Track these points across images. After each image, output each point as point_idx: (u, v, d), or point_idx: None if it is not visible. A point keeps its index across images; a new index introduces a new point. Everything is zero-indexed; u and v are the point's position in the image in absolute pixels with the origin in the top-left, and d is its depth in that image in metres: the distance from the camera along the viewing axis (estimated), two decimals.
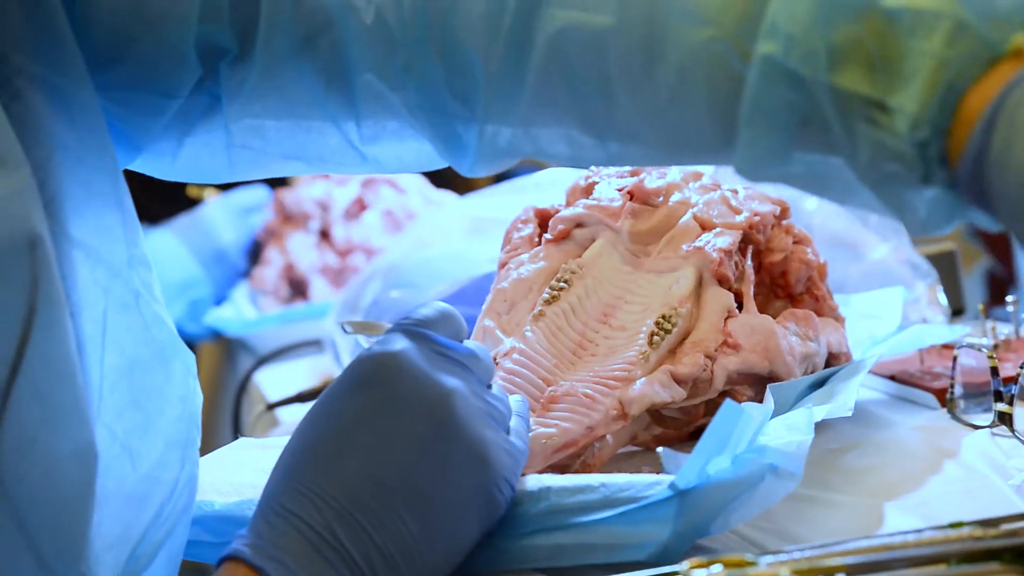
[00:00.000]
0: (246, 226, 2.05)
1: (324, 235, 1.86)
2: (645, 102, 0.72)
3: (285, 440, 0.86)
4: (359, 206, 1.87)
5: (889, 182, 0.65)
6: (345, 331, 0.82)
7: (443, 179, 2.06)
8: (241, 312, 1.85)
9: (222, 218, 2.04)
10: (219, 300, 2.03)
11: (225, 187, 2.09)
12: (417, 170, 0.87)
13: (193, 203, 2.13)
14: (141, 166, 0.86)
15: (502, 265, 1.01)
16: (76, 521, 0.69)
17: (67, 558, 0.68)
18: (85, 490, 0.69)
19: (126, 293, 0.76)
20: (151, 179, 0.88)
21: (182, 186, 2.16)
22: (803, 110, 0.66)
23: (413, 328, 0.77)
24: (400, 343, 0.76)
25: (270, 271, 1.83)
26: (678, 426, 0.95)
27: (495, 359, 0.90)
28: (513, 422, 0.80)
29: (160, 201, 2.31)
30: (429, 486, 0.73)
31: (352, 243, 1.82)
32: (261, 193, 2.09)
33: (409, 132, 0.81)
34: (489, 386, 0.80)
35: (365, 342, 0.82)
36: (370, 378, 0.75)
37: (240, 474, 0.86)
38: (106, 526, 0.72)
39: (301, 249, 1.83)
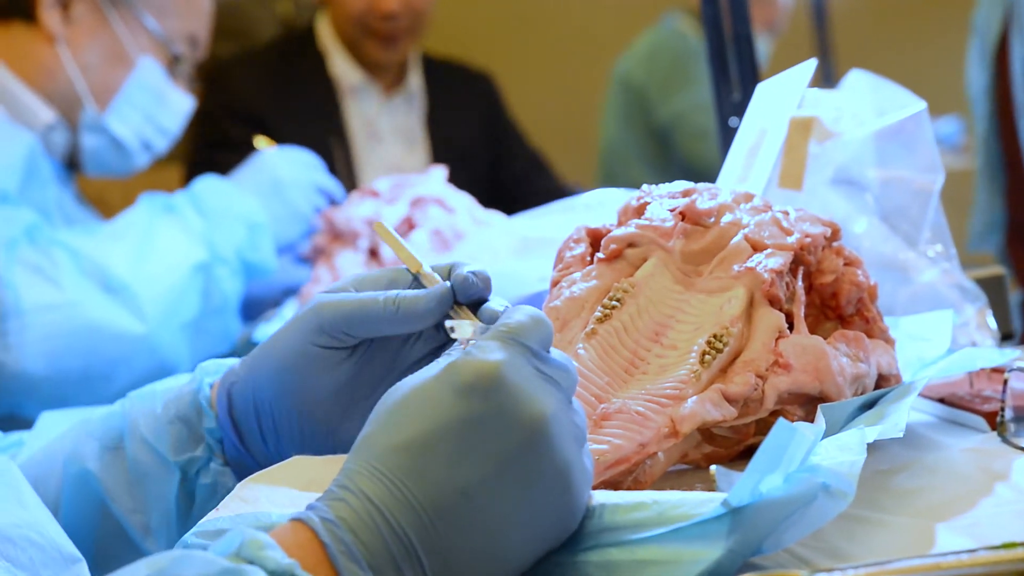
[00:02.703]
0: (306, 174, 2.07)
1: (373, 253, 1.88)
2: None
3: (338, 458, 0.87)
4: (408, 225, 1.89)
5: None
6: (451, 333, 0.82)
7: (492, 199, 2.08)
8: None
9: (278, 159, 2.07)
10: (283, 241, 2.03)
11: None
12: None
13: None
14: None
15: (554, 284, 1.02)
16: None
17: None
18: None
19: None
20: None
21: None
22: None
23: (511, 337, 0.77)
24: (498, 353, 0.75)
25: (319, 288, 1.84)
26: (729, 445, 0.95)
27: None
28: None
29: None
30: (511, 504, 0.74)
31: (401, 262, 1.84)
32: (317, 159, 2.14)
33: None
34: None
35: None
36: (470, 386, 0.74)
37: (296, 487, 0.87)
38: None
39: (350, 267, 1.84)
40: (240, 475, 0.97)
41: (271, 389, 0.94)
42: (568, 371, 0.79)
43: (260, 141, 2.18)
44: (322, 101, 2.93)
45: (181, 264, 1.84)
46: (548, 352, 0.79)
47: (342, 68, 2.96)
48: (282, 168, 2.05)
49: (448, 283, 0.91)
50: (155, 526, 0.98)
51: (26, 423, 1.30)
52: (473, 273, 0.91)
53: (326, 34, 2.98)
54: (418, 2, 2.90)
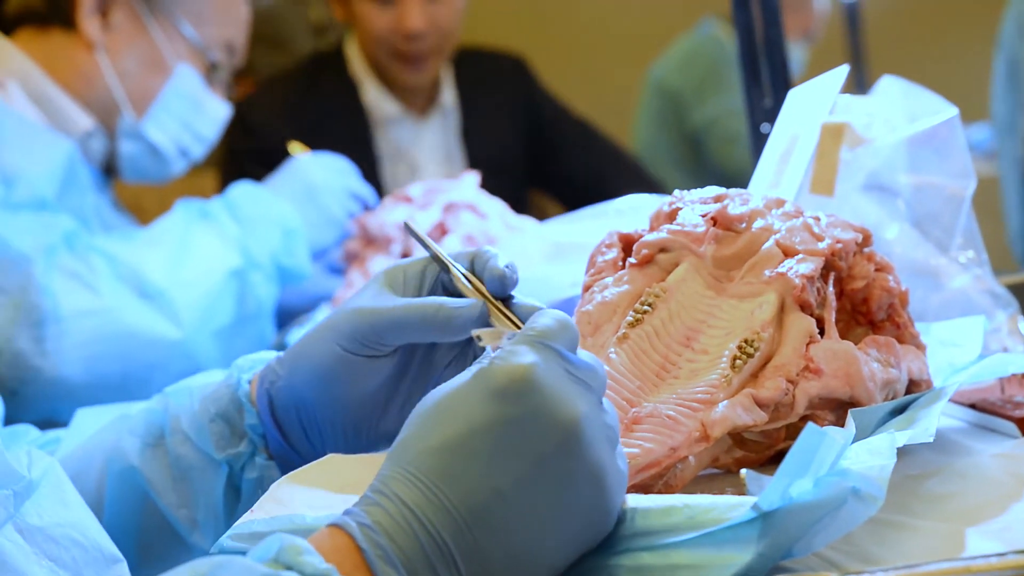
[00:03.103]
0: (339, 180, 2.08)
1: (405, 258, 1.89)
2: None
3: (372, 457, 0.88)
4: (440, 230, 1.90)
5: None
6: (478, 341, 0.83)
7: (523, 205, 2.08)
8: None
9: (312, 164, 2.09)
10: (317, 246, 2.05)
11: None
12: None
13: None
14: None
15: (586, 288, 1.02)
16: None
17: None
18: None
19: None
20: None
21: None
22: None
23: (539, 341, 0.78)
24: (529, 356, 0.76)
25: (352, 293, 1.85)
26: (759, 449, 0.96)
27: None
28: None
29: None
30: (546, 504, 0.74)
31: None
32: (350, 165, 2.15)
33: None
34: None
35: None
36: (503, 389, 0.75)
37: (330, 488, 0.88)
38: None
39: None
40: (285, 468, 0.99)
41: (310, 393, 0.96)
42: (597, 372, 0.80)
43: (294, 147, 2.19)
44: (354, 133, 2.86)
45: (216, 270, 1.86)
46: (575, 354, 0.79)
47: (375, 97, 2.88)
48: (316, 174, 2.07)
49: (481, 303, 0.91)
50: (202, 520, 0.99)
51: (63, 427, 1.32)
52: (508, 267, 0.93)
53: (356, 59, 2.90)
54: (444, 20, 2.80)
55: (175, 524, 1.00)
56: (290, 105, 2.87)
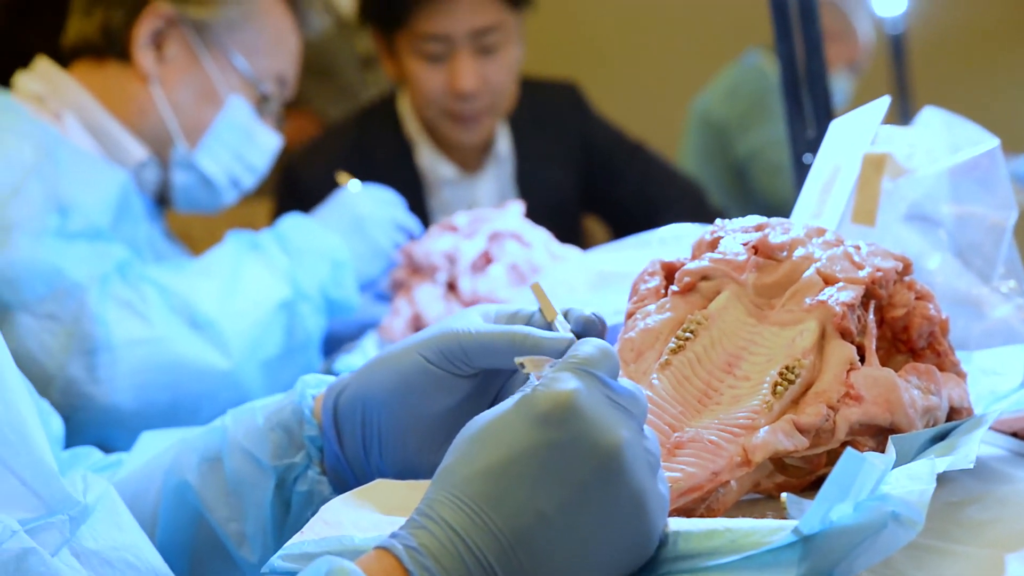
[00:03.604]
0: (387, 211, 2.11)
1: (451, 287, 1.90)
2: None
3: (419, 483, 0.90)
4: (485, 259, 1.92)
5: None
6: (522, 368, 0.85)
7: (576, 234, 2.10)
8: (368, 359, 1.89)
9: (360, 197, 2.11)
10: (365, 278, 2.07)
11: None
12: None
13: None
14: None
15: (629, 315, 1.04)
16: None
17: None
18: None
19: None
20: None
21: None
22: None
23: (582, 368, 0.80)
24: (572, 382, 0.78)
25: (398, 321, 1.87)
26: (800, 475, 0.97)
27: None
28: None
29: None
30: (588, 528, 0.76)
31: (478, 295, 1.86)
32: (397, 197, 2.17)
33: None
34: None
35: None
36: (547, 415, 0.77)
37: (378, 511, 0.90)
38: None
39: (428, 300, 1.87)
40: (336, 485, 1.00)
41: (383, 398, 0.97)
42: (638, 399, 0.81)
43: (342, 177, 2.22)
44: (407, 194, 2.67)
45: (266, 301, 1.89)
46: (617, 381, 0.81)
47: (428, 159, 2.79)
48: (364, 206, 2.09)
49: (571, 337, 0.93)
50: (250, 534, 1.01)
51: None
52: (594, 314, 0.96)
53: (409, 118, 2.80)
54: (496, 79, 2.68)
55: (224, 539, 1.02)
56: (341, 165, 2.71)
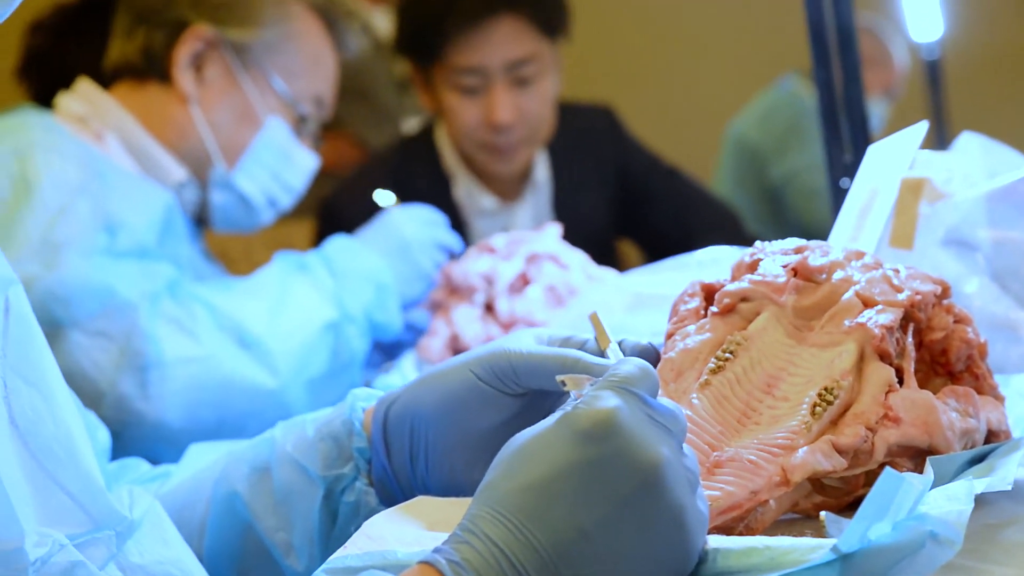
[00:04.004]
0: (429, 232, 2.12)
1: (489, 308, 1.92)
2: None
3: (460, 500, 0.91)
4: (523, 281, 1.93)
5: None
6: (563, 386, 0.86)
7: (603, 258, 2.11)
8: (407, 380, 1.90)
9: (404, 218, 2.11)
10: (407, 299, 2.08)
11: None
12: None
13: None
14: None
15: (669, 336, 1.05)
16: None
17: None
18: None
19: None
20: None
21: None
22: None
23: (622, 386, 0.81)
24: (612, 400, 0.79)
25: (436, 341, 1.89)
26: (838, 495, 0.97)
27: None
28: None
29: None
30: (629, 544, 0.77)
31: (515, 316, 1.88)
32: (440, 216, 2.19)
33: None
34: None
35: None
36: (588, 431, 0.78)
37: (421, 526, 0.91)
38: None
39: (466, 321, 1.89)
40: (382, 496, 1.02)
41: (432, 412, 0.98)
42: (677, 417, 0.82)
43: (382, 195, 2.23)
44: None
45: (313, 322, 1.91)
46: (656, 400, 0.82)
47: (467, 192, 2.78)
48: (407, 228, 2.10)
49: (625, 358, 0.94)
50: (297, 544, 1.02)
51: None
52: (650, 343, 0.98)
53: (447, 150, 2.78)
54: (533, 110, 2.66)
55: (271, 548, 1.03)
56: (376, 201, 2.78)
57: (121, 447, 1.64)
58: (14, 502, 0.81)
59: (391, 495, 1.02)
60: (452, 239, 2.15)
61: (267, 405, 1.81)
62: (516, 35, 2.62)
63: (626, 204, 2.89)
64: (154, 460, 1.47)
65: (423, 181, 2.77)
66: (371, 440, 1.02)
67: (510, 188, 2.80)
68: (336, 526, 1.03)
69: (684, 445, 0.83)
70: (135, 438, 1.75)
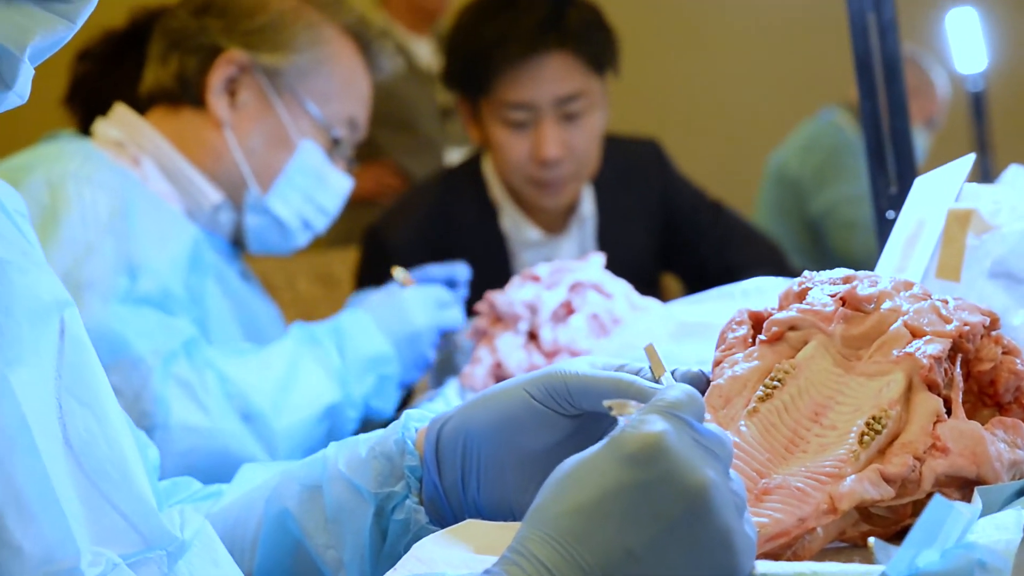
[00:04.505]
0: (439, 318, 2.14)
1: (532, 336, 1.93)
2: None
3: (509, 524, 0.92)
4: (566, 309, 1.94)
5: None
6: (609, 411, 0.87)
7: (646, 290, 2.11)
8: (451, 407, 1.92)
9: (418, 305, 2.13)
10: (404, 383, 2.12)
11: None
12: None
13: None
14: None
15: (717, 364, 1.06)
16: None
17: None
18: None
19: None
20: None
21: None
22: None
23: (669, 411, 0.82)
24: (660, 424, 0.80)
25: (480, 369, 1.90)
26: (885, 524, 0.97)
27: None
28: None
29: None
30: (676, 566, 0.78)
31: (559, 345, 1.88)
32: (452, 295, 2.20)
33: None
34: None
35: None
36: (636, 455, 0.79)
37: (469, 550, 0.92)
38: None
39: (510, 349, 1.90)
40: (433, 516, 1.03)
41: (485, 431, 1.00)
42: (723, 442, 0.83)
43: (399, 273, 2.23)
44: (491, 258, 2.73)
45: (316, 401, 1.96)
46: (702, 424, 0.83)
47: (513, 224, 2.77)
48: (419, 317, 2.11)
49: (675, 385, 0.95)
50: (348, 561, 1.03)
51: None
52: (700, 370, 1.01)
53: (494, 182, 2.77)
54: (581, 145, 2.64)
55: (321, 566, 1.04)
56: (426, 228, 2.77)
57: None
58: (70, 522, 0.82)
59: (441, 514, 1.03)
60: (457, 318, 2.18)
61: None
62: (565, 71, 2.62)
63: (670, 238, 2.88)
64: None
65: (470, 211, 2.77)
66: (423, 459, 1.03)
67: (556, 221, 2.80)
68: (386, 544, 1.04)
69: (730, 470, 0.84)
70: None
